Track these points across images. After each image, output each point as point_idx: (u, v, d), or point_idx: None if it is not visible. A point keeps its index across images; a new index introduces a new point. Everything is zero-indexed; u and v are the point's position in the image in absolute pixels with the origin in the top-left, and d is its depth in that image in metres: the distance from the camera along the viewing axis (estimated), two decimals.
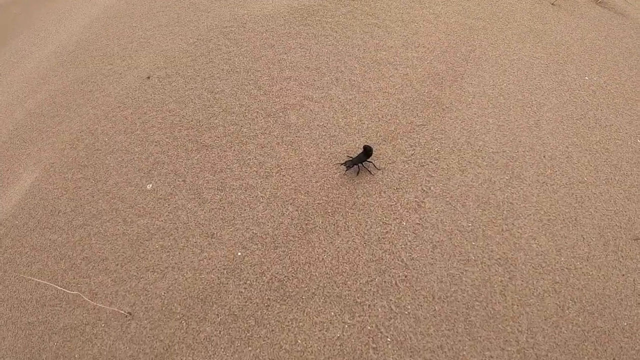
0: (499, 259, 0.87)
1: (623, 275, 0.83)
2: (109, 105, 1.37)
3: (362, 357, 0.77)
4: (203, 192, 1.05)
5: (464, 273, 0.86)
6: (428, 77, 1.24)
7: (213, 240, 0.95)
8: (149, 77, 1.45)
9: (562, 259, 0.86)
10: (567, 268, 0.85)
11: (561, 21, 1.48)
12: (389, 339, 0.79)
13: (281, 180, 1.03)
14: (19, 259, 1.06)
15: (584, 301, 0.80)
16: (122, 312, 0.89)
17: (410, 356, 0.77)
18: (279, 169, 1.06)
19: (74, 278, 0.98)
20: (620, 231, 0.89)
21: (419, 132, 1.09)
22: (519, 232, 0.91)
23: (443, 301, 0.82)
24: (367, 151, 0.97)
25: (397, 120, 1.12)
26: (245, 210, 0.99)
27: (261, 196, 1.01)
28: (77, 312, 0.93)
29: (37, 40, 1.98)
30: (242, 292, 0.87)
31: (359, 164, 0.98)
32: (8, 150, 1.39)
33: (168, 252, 0.96)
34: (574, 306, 0.80)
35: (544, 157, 1.04)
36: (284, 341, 0.80)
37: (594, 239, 0.88)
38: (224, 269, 0.90)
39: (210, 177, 1.08)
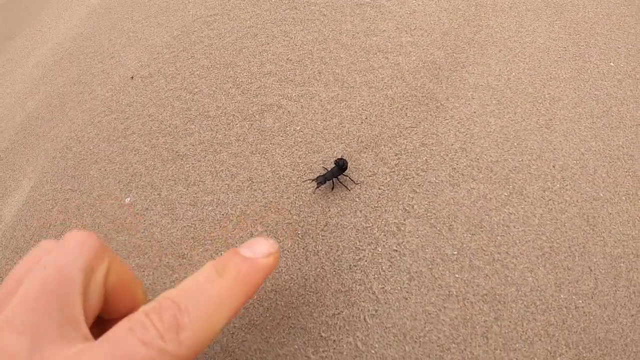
0: (485, 294, 0.73)
1: (632, 315, 0.67)
2: (95, 110, 1.29)
3: None
4: (176, 208, 0.96)
5: (442, 310, 0.72)
6: (422, 67, 1.03)
7: (184, 261, 0.88)
8: (132, 78, 1.34)
9: (562, 296, 0.70)
10: (565, 307, 0.69)
11: None
12: None
13: (252, 196, 0.92)
14: None
15: (580, 347, 0.65)
16: None
17: None
18: (250, 182, 0.94)
19: None
20: (637, 261, 0.71)
21: (406, 136, 0.91)
22: (513, 263, 0.75)
23: (415, 341, 0.71)
24: (341, 166, 0.83)
25: (382, 122, 0.95)
26: (215, 229, 0.90)
27: (231, 213, 0.91)
28: None
29: (39, 36, 1.90)
30: None
31: (333, 179, 0.84)
32: (10, 155, 1.37)
33: (143, 271, 0.90)
34: (568, 353, 0.65)
35: (554, 166, 0.84)
36: None
37: (603, 271, 0.71)
38: None
39: (184, 190, 0.99)
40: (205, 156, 1.03)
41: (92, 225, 1.02)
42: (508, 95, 0.95)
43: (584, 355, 0.65)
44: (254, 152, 0.99)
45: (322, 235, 0.82)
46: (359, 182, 0.86)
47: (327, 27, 1.22)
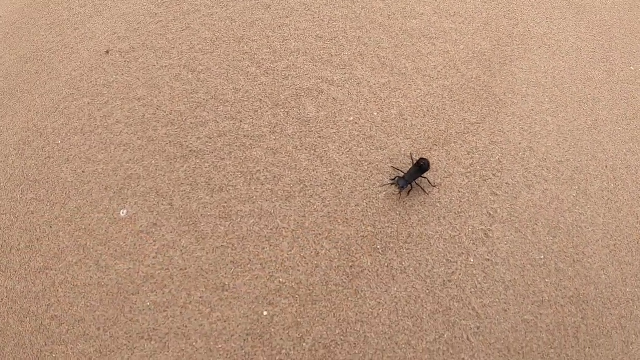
0: (572, 296, 0.69)
1: None
2: (59, 93, 0.94)
3: None
4: (200, 222, 0.73)
5: (539, 317, 0.66)
6: (473, 58, 0.94)
7: (225, 293, 0.66)
8: (107, 52, 1.00)
9: (628, 290, 0.69)
10: (631, 300, 0.69)
11: None
12: None
13: (308, 204, 0.73)
14: None
15: None
16: None
17: None
18: (302, 186, 0.75)
19: (46, 344, 0.66)
20: None
21: (474, 133, 0.82)
22: (589, 263, 0.72)
23: (519, 353, 0.63)
24: (423, 167, 0.70)
25: (447, 116, 0.84)
26: (264, 249, 0.70)
27: (283, 227, 0.71)
28: None
29: None
30: None
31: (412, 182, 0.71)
32: None
33: (165, 311, 0.66)
34: (637, 340, 0.64)
35: (606, 167, 0.82)
36: None
37: None
38: (247, 335, 0.63)
39: (207, 198, 0.75)
40: (231, 152, 0.80)
41: (75, 248, 0.72)
42: (557, 93, 0.92)
43: None
44: (299, 147, 0.80)
45: (406, 249, 0.69)
46: (436, 184, 0.74)
47: (356, 4, 1.05)
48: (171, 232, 0.72)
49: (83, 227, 0.74)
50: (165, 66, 0.96)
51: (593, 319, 0.67)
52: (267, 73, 0.92)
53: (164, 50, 0.99)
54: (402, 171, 0.74)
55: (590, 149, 0.85)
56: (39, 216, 0.76)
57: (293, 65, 0.93)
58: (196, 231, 0.72)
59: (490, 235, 0.71)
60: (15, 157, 0.84)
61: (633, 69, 1.02)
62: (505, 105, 0.87)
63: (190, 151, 0.81)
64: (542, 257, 0.71)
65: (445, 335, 0.63)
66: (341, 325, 0.63)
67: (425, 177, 0.73)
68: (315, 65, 0.92)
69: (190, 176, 0.78)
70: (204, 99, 0.89)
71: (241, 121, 0.84)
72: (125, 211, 0.75)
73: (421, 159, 0.70)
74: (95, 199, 0.77)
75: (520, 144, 0.82)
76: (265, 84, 0.90)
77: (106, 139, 0.84)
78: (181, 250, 0.70)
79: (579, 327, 0.66)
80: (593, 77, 0.97)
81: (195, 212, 0.74)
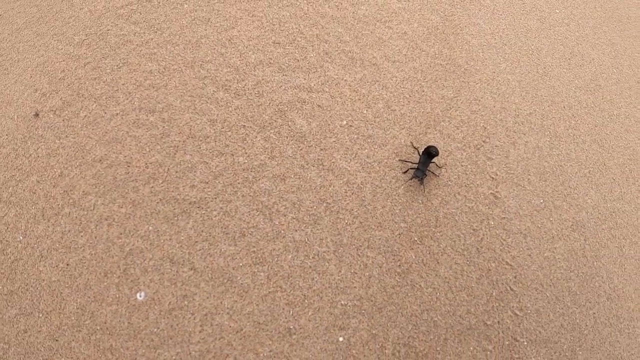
0: (571, 225, 0.80)
1: None
2: None
3: None
4: (236, 276, 0.66)
5: (555, 251, 0.77)
6: (430, 34, 0.97)
7: (294, 337, 0.63)
8: (37, 114, 0.81)
9: (608, 205, 0.84)
10: (613, 212, 0.84)
11: None
12: (525, 342, 0.68)
13: (338, 220, 0.71)
14: None
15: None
16: None
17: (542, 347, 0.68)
18: (325, 204, 0.73)
19: None
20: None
21: (456, 107, 0.86)
22: (575, 193, 0.84)
23: (550, 285, 0.74)
24: (433, 154, 0.72)
25: (428, 97, 0.87)
26: (314, 279, 0.67)
27: (324, 252, 0.69)
28: None
29: None
30: None
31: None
32: None
33: None
34: (628, 243, 0.81)
35: (564, 107, 0.95)
36: None
37: (619, 178, 0.88)
38: None
39: (232, 249, 0.68)
40: (236, 192, 0.73)
41: (100, 355, 0.61)
42: (507, 51, 1.00)
43: None
44: (305, 166, 0.76)
45: (439, 232, 0.72)
46: (442, 165, 0.78)
47: (299, 0, 0.99)
48: (207, 298, 0.65)
49: (98, 327, 0.62)
50: (117, 114, 0.81)
51: (591, 238, 0.79)
52: (239, 94, 0.84)
53: (107, 95, 0.83)
54: (409, 162, 0.76)
55: (548, 95, 0.96)
56: (35, 332, 0.61)
57: (262, 80, 0.86)
58: (235, 287, 0.66)
59: (498, 196, 0.79)
60: None
61: (558, 11, 1.16)
62: (470, 73, 0.93)
63: (190, 203, 0.72)
64: (541, 200, 0.81)
65: (494, 293, 0.70)
66: (411, 320, 0.66)
67: (434, 162, 0.76)
68: (285, 75, 0.87)
69: (202, 231, 0.70)
70: (179, 141, 0.78)
71: (233, 155, 0.76)
72: (142, 294, 0.65)
73: (429, 146, 0.73)
74: (98, 291, 0.65)
75: (494, 107, 0.89)
76: (241, 107, 0.82)
77: (79, 218, 0.69)
78: (228, 313, 0.64)
79: (584, 247, 0.78)
80: (530, 27, 1.08)
81: (225, 268, 0.67)
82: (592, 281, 0.75)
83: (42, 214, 0.72)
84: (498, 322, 0.69)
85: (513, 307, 0.70)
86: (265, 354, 0.63)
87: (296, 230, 0.70)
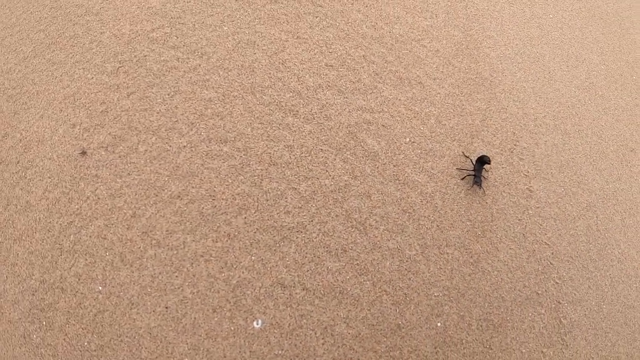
0: (586, 206, 0.99)
1: None
2: (50, 236, 0.69)
3: None
4: (345, 289, 0.73)
5: (577, 228, 0.95)
6: (456, 50, 1.09)
7: (402, 332, 0.73)
8: (83, 152, 0.77)
9: (611, 186, 1.06)
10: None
11: None
12: (565, 304, 0.86)
13: (420, 226, 0.81)
14: None
15: None
16: None
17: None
18: (407, 215, 0.82)
19: None
20: None
21: (490, 117, 1.00)
22: (585, 180, 1.03)
23: (577, 257, 0.92)
24: (486, 161, 0.86)
25: (467, 110, 0.99)
26: (410, 279, 0.77)
27: (414, 255, 0.78)
28: None
29: None
30: None
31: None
32: None
33: None
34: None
35: (568, 107, 1.14)
36: None
37: (616, 162, 1.10)
38: (434, 348, 0.73)
39: (336, 265, 0.75)
40: (329, 213, 0.79)
41: None
42: (519, 60, 1.15)
43: None
44: (385, 182, 0.84)
45: (496, 225, 0.86)
46: (488, 169, 0.92)
47: (338, 20, 1.04)
48: (324, 313, 0.72)
49: None
50: (184, 146, 0.81)
51: (601, 215, 0.96)
52: (308, 119, 0.88)
53: (166, 127, 0.83)
54: (465, 169, 0.89)
55: (555, 97, 1.13)
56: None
57: (326, 103, 0.91)
58: (347, 298, 0.74)
59: (532, 189, 0.95)
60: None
61: (551, 16, 1.34)
62: (494, 84, 1.07)
63: (289, 229, 0.77)
64: (562, 189, 0.98)
65: (539, 268, 0.86)
66: (486, 299, 0.79)
67: (484, 168, 0.90)
68: (346, 97, 0.93)
69: (307, 253, 0.76)
70: (262, 169, 0.81)
71: (318, 178, 0.82)
72: (259, 321, 0.70)
73: (482, 155, 0.86)
74: (210, 327, 0.68)
75: (517, 113, 1.05)
76: (314, 132, 0.87)
77: (169, 259, 0.71)
78: (344, 322, 0.72)
79: (597, 223, 0.95)
80: (532, 35, 1.24)
81: (334, 283, 0.74)
82: (605, 249, 0.95)
83: (121, 260, 0.72)
84: (545, 290, 0.85)
85: (554, 277, 0.88)
86: (382, 351, 0.72)
87: (389, 240, 0.79)
